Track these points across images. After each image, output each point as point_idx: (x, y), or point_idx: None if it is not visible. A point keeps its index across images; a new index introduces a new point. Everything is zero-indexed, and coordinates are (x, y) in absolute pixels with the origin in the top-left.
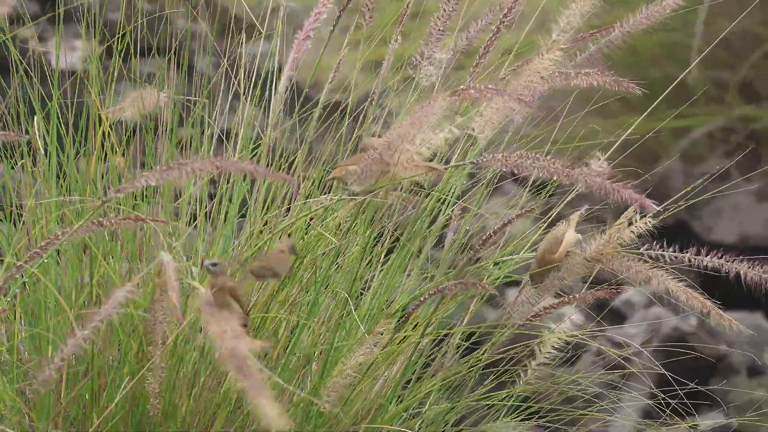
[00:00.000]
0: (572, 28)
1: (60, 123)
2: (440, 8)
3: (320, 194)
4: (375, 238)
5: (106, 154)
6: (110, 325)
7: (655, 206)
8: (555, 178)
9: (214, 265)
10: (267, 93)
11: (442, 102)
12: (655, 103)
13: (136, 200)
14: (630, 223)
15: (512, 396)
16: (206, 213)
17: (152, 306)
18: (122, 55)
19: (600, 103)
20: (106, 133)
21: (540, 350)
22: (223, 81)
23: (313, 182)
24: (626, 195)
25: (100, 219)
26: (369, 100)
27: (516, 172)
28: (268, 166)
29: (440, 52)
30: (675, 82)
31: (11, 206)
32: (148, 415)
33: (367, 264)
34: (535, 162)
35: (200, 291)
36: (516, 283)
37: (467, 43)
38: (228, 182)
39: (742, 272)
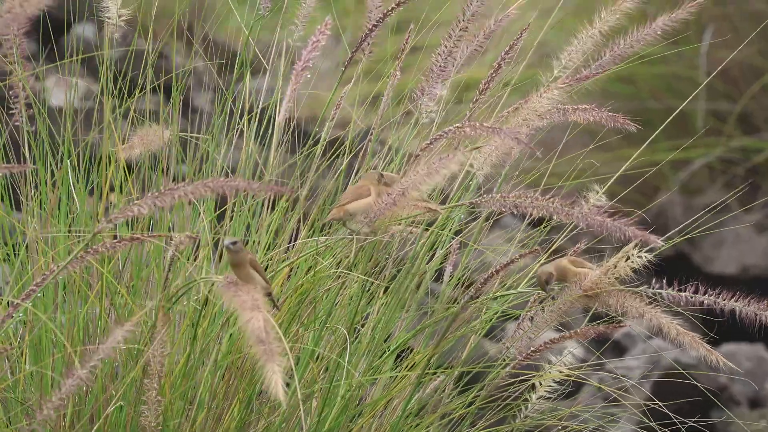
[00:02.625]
0: (574, 65)
1: (77, 161)
2: (441, 44)
3: (320, 232)
4: (374, 275)
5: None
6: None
7: (658, 241)
8: (555, 217)
9: (234, 243)
10: (270, 129)
11: (461, 156)
12: (653, 135)
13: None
14: (627, 258)
15: (512, 431)
16: (209, 250)
17: (152, 338)
18: (121, 93)
19: (600, 136)
20: (121, 172)
21: (540, 384)
22: (225, 117)
23: (316, 220)
24: (629, 232)
25: (95, 247)
26: (368, 136)
27: (514, 212)
28: (272, 203)
29: (440, 89)
30: (673, 115)
31: (12, 243)
32: None
33: (368, 302)
34: (534, 201)
35: (219, 280)
36: (516, 318)
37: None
38: (230, 219)
39: (737, 309)
